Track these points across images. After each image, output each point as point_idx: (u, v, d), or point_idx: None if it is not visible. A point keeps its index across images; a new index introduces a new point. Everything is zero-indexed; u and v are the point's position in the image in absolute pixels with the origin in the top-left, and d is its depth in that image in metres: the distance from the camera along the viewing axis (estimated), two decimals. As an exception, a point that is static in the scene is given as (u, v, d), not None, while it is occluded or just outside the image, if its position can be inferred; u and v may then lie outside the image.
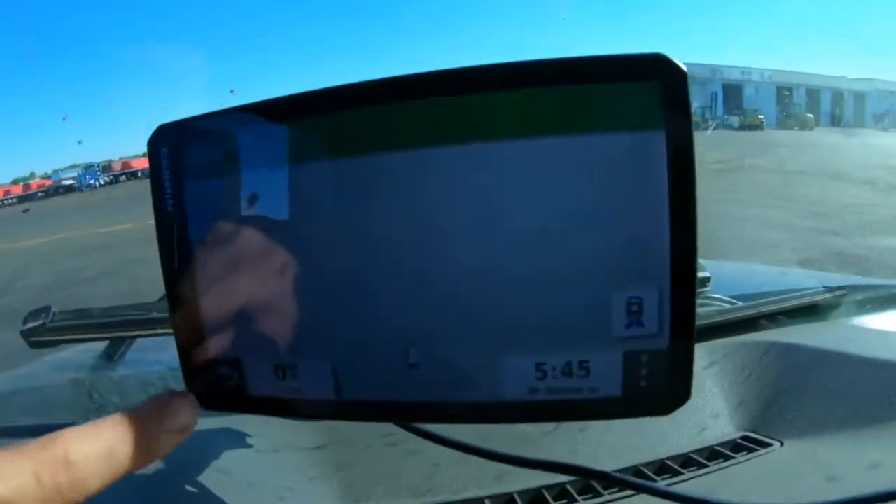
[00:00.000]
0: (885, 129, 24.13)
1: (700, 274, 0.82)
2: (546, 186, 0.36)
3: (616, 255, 0.36)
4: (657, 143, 0.35)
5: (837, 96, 28.40)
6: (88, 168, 22.27)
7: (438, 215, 0.37)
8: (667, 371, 0.37)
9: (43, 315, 0.80)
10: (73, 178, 21.38)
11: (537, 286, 0.37)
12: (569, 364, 0.37)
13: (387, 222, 0.37)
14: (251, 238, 0.41)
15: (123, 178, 22.47)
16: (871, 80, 28.19)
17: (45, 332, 0.79)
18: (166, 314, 0.57)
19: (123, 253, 7.22)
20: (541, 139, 0.36)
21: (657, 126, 0.35)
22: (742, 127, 23.59)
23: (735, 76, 27.37)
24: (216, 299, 0.43)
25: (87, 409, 0.72)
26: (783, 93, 27.57)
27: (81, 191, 20.77)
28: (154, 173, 0.43)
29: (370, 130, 0.38)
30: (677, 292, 0.36)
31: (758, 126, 23.36)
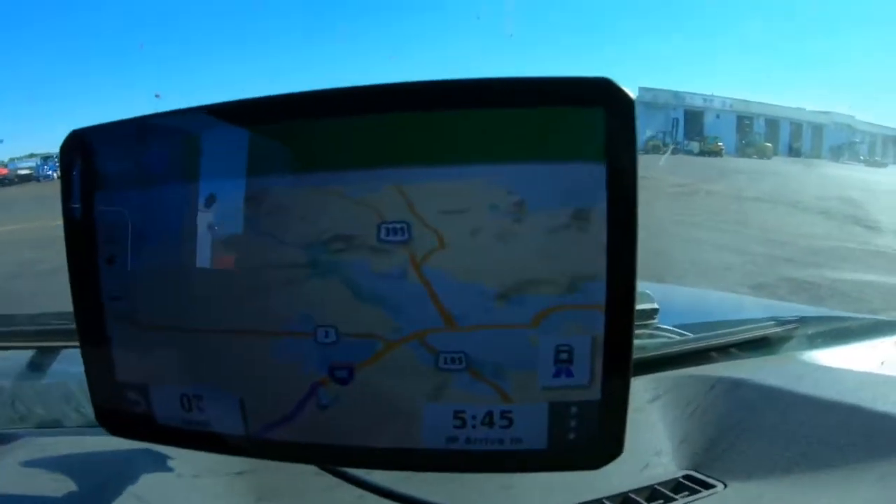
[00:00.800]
0: (841, 161, 24.78)
1: (648, 305, 0.81)
2: (471, 219, 0.33)
3: (545, 297, 0.34)
4: (597, 176, 0.32)
5: (796, 127, 29.19)
6: (47, 159, 21.57)
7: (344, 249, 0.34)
8: (598, 423, 0.35)
9: None
10: (30, 168, 20.68)
11: (459, 325, 0.34)
12: (489, 413, 0.34)
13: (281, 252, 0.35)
14: (155, 255, 0.38)
15: (83, 172, 21.98)
16: (829, 112, 28.93)
17: None
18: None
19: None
20: (470, 167, 0.33)
21: (598, 158, 0.32)
22: (702, 153, 23.93)
23: (697, 103, 27.85)
24: (122, 318, 0.40)
25: (9, 418, 0.69)
26: (743, 121, 28.23)
27: (38, 181, 20.15)
28: (64, 179, 0.39)
29: (291, 146, 0.35)
30: (612, 339, 0.33)
31: (717, 153, 23.82)
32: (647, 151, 23.13)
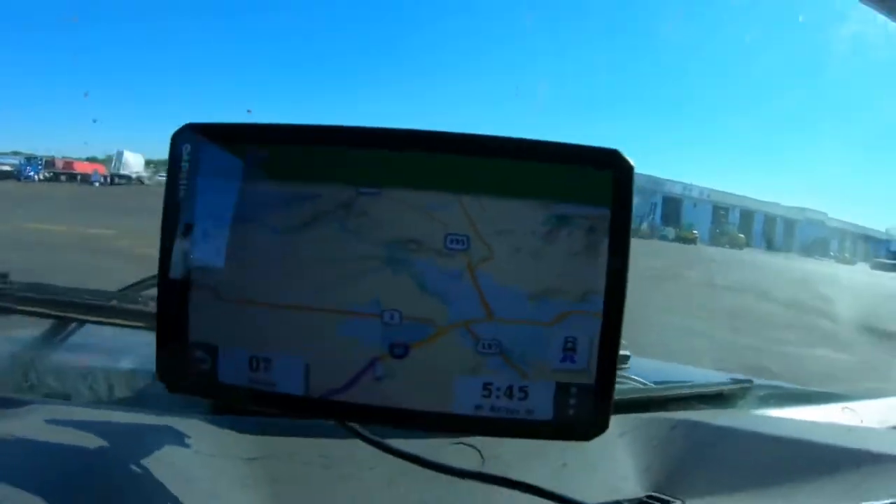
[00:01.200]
0: (812, 256, 25.25)
1: (621, 352, 0.91)
2: (515, 239, 0.46)
3: (564, 302, 0.45)
4: (603, 218, 0.44)
5: (770, 220, 29.75)
6: (31, 159, 21.26)
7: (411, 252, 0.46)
8: (591, 403, 0.46)
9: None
10: (11, 166, 20.38)
11: (497, 318, 0.45)
12: (511, 387, 0.45)
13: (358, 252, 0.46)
14: (247, 238, 0.47)
15: (63, 178, 21.56)
16: (803, 209, 29.42)
17: None
18: (125, 305, 0.61)
19: (50, 256, 6.94)
20: (518, 201, 0.45)
21: (605, 205, 0.44)
22: (677, 239, 24.48)
23: (677, 190, 28.40)
24: (205, 287, 0.47)
25: (18, 386, 0.71)
26: (719, 211, 28.79)
27: (19, 180, 19.83)
28: (172, 165, 0.48)
29: (356, 166, 0.47)
30: (605, 338, 0.45)
31: (692, 240, 24.40)
32: None
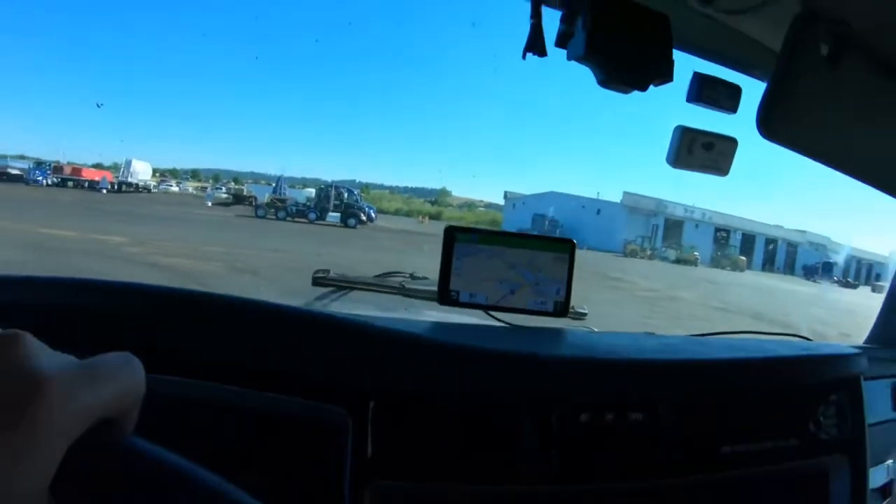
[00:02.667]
0: (813, 279, 25.49)
1: (581, 309, 1.33)
2: (538, 262, 1.21)
3: (554, 282, 1.19)
4: (568, 256, 1.19)
5: (771, 243, 29.98)
6: (40, 164, 21.63)
7: None
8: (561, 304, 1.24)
9: (324, 272, 1.39)
10: (21, 170, 20.75)
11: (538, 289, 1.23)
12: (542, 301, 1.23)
13: None
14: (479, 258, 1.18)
15: (71, 183, 21.87)
16: (804, 232, 29.54)
17: (326, 279, 1.38)
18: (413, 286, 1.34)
19: (65, 260, 7.16)
20: (537, 252, 1.20)
21: (567, 255, 1.20)
22: (677, 261, 24.54)
23: (678, 212, 28.49)
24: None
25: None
26: (720, 234, 28.92)
27: (27, 184, 20.18)
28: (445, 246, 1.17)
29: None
30: (566, 298, 1.22)
31: (692, 262, 24.56)
32: (626, 255, 23.46)
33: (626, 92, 0.97)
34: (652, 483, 0.94)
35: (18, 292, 0.85)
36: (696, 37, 1.19)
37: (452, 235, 1.15)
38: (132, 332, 0.80)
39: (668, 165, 1.15)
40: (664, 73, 0.95)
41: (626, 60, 0.93)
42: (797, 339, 1.29)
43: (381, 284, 1.40)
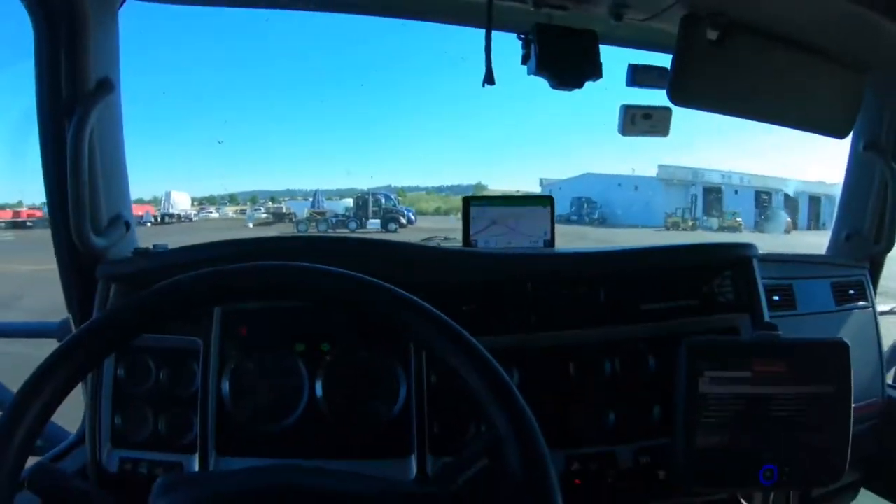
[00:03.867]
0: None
1: None
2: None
3: (543, 228, 1.72)
4: (549, 208, 1.74)
5: (815, 201, 29.11)
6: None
7: None
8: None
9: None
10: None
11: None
12: None
13: None
14: None
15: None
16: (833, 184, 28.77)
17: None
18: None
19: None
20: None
21: (548, 205, 1.74)
22: (720, 229, 24.15)
23: (715, 179, 27.93)
24: None
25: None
26: (762, 196, 28.27)
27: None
28: None
29: None
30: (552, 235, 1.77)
31: (736, 228, 24.05)
32: (667, 228, 23.20)
33: (569, 90, 1.43)
34: (598, 331, 1.47)
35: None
36: (624, 38, 1.72)
37: (468, 202, 1.67)
38: None
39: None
40: (595, 74, 1.43)
41: (565, 70, 1.40)
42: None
43: (424, 245, 1.82)
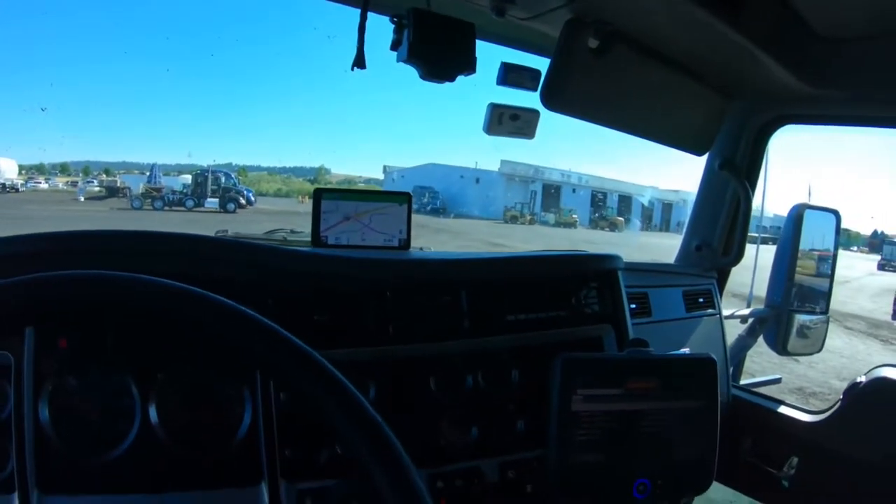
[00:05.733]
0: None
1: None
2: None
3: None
4: (406, 206, 1.62)
5: (667, 207, 30.99)
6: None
7: None
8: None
9: (223, 231, 1.66)
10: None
11: None
12: None
13: None
14: None
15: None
16: (678, 191, 30.62)
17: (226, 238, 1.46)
18: None
19: None
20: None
21: (405, 202, 1.60)
22: (557, 224, 25.56)
23: (555, 177, 29.24)
24: None
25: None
26: (598, 196, 29.89)
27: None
28: None
29: None
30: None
31: (571, 224, 25.56)
32: (505, 221, 24.00)
33: (440, 82, 1.31)
34: (457, 343, 1.36)
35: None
36: (502, 35, 1.61)
37: (320, 194, 1.53)
38: None
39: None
40: (468, 68, 1.31)
41: (439, 61, 1.29)
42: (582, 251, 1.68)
43: (268, 238, 1.72)
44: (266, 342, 0.58)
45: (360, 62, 1.25)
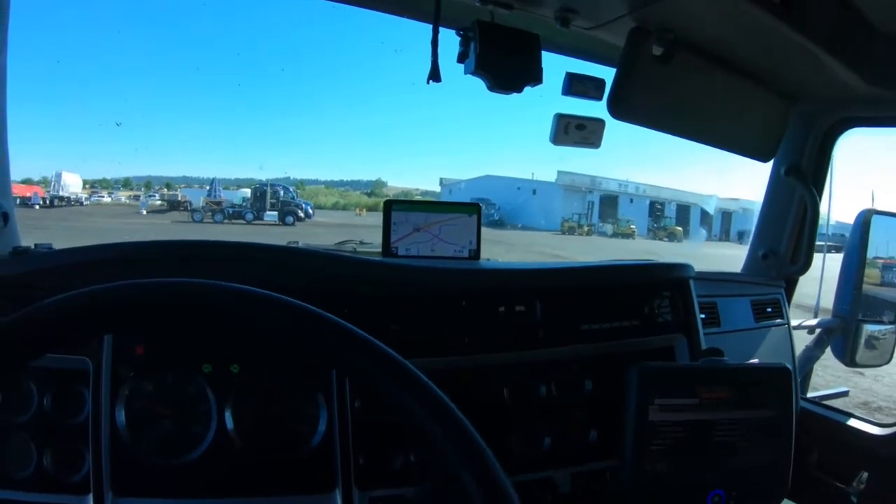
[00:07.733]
0: (744, 242, 25.96)
1: None
2: None
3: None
4: (476, 216, 1.62)
5: (706, 212, 30.54)
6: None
7: None
8: None
9: (294, 242, 1.71)
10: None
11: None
12: None
13: None
14: None
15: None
16: (737, 199, 30.06)
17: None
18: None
19: None
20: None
21: (475, 213, 1.64)
22: (615, 234, 25.23)
23: (612, 187, 28.97)
24: None
25: None
26: (656, 206, 29.46)
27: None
28: None
29: None
30: None
31: (629, 235, 25.20)
32: (563, 232, 23.85)
33: (507, 94, 1.34)
34: (532, 352, 1.36)
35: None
36: (565, 45, 1.64)
37: (390, 205, 1.57)
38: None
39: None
40: (535, 79, 1.34)
41: (505, 72, 1.31)
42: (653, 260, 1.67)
43: (339, 250, 1.74)
44: (382, 366, 0.57)
45: (435, 75, 1.28)
